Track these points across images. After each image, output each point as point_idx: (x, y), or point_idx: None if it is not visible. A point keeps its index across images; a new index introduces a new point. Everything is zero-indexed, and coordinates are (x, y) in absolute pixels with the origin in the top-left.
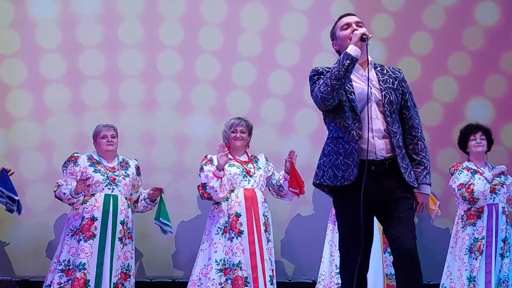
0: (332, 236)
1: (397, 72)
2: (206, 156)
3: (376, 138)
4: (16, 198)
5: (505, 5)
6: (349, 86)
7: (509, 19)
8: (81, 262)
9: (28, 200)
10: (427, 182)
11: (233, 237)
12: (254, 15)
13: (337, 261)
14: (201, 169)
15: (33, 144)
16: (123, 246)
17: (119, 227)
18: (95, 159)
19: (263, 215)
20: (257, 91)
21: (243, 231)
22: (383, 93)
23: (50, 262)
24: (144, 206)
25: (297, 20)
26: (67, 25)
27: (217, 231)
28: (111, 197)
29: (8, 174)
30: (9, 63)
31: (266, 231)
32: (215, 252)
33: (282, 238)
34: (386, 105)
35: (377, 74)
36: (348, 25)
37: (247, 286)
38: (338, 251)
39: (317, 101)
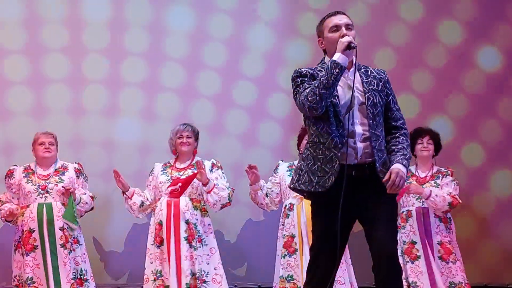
0: (279, 245)
1: (382, 74)
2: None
3: (358, 142)
4: None
5: (507, 52)
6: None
7: (510, 65)
8: (28, 277)
9: None
10: (403, 164)
11: (157, 245)
12: (179, 16)
13: (281, 271)
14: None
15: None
16: (69, 252)
17: (58, 233)
18: (32, 169)
19: (186, 222)
20: (188, 93)
21: (163, 239)
22: (366, 95)
23: None
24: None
25: (223, 20)
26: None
27: (152, 241)
28: (44, 206)
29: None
30: (12, 59)
31: (192, 238)
32: (151, 263)
33: (234, 243)
34: (369, 108)
35: (361, 76)
36: (338, 27)
37: None
38: (283, 261)
39: (303, 109)
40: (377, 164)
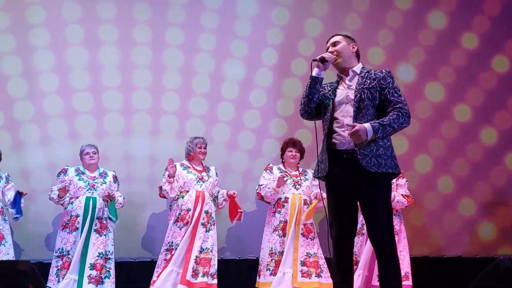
0: (266, 227)
1: (378, 73)
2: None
3: (346, 131)
4: (19, 216)
5: (449, 87)
6: (331, 93)
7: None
8: (67, 250)
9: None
10: (372, 124)
11: (181, 226)
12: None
13: (269, 245)
14: (163, 175)
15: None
16: (100, 236)
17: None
18: (81, 170)
19: (205, 211)
20: (210, 119)
21: (188, 222)
22: (355, 93)
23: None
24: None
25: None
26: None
27: (173, 221)
28: (91, 199)
29: (22, 195)
30: (81, 95)
31: (207, 222)
32: (167, 236)
33: (233, 228)
34: (356, 103)
35: (358, 79)
36: (328, 48)
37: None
38: (270, 238)
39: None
40: (357, 148)
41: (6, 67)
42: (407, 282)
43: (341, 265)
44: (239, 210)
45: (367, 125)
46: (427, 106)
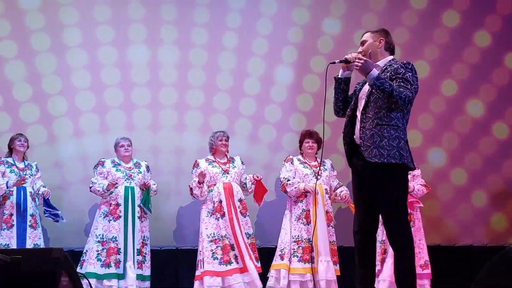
0: (289, 215)
1: (394, 64)
2: (196, 161)
3: (358, 125)
4: (58, 212)
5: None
6: (359, 89)
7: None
8: (113, 236)
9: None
10: (378, 72)
11: (219, 218)
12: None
13: (294, 232)
14: (192, 173)
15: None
16: (141, 223)
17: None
18: (117, 162)
19: (238, 200)
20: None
21: (224, 213)
22: (369, 87)
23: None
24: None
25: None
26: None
27: (207, 214)
28: (129, 188)
29: (47, 198)
30: (139, 90)
31: (244, 209)
32: (206, 228)
33: (254, 217)
34: (366, 97)
35: (379, 74)
36: (358, 47)
37: (233, 250)
38: (294, 226)
39: None
40: (361, 140)
41: (40, 65)
42: (427, 270)
43: (360, 262)
44: (267, 192)
45: (376, 70)
46: (467, 122)
